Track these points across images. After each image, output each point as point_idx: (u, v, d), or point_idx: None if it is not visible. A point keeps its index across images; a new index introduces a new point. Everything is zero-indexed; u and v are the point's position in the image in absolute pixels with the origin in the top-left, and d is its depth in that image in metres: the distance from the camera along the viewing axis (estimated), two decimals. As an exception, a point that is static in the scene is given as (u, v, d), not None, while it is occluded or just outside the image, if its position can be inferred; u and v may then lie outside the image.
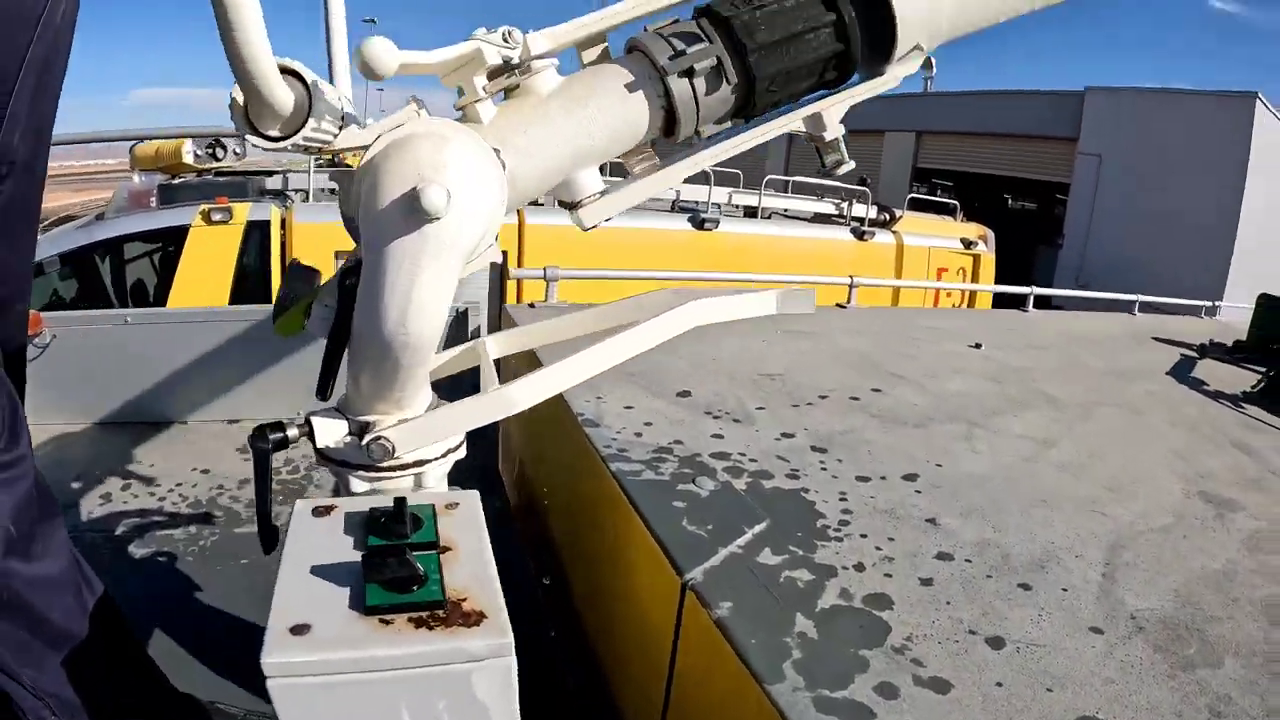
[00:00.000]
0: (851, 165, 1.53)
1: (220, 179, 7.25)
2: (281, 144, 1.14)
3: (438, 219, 1.07)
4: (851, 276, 4.97)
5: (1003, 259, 11.10)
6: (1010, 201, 22.26)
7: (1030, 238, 19.37)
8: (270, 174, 7.72)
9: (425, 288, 1.15)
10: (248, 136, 1.13)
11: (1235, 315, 7.96)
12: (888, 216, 10.06)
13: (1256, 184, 14.63)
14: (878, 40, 1.42)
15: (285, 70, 1.09)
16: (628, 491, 1.91)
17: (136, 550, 2.74)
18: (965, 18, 1.55)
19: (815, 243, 9.08)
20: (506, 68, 1.27)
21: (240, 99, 1.10)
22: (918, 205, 12.36)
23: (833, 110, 1.47)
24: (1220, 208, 14.49)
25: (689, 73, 1.30)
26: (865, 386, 3.08)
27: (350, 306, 1.26)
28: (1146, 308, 7.07)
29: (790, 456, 2.26)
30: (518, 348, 1.80)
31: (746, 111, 1.41)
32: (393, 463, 1.33)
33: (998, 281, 10.20)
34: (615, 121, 1.32)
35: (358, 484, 1.38)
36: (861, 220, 9.28)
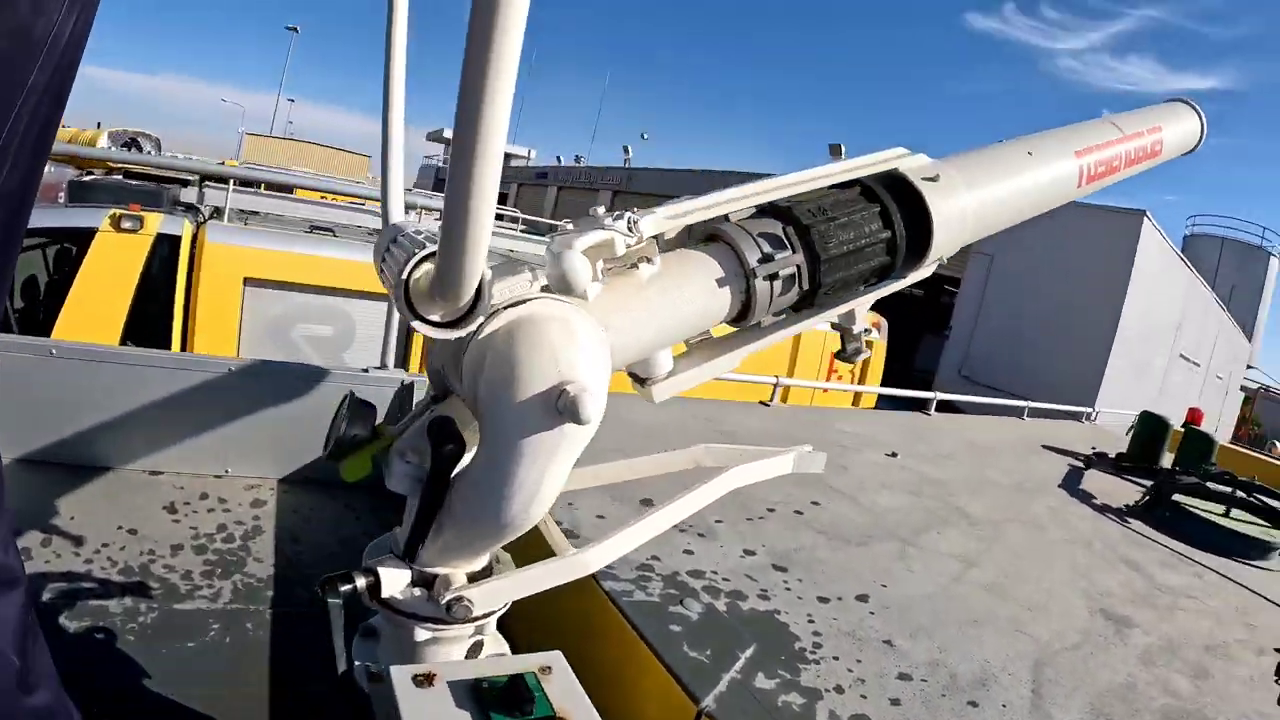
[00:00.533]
0: (868, 355, 1.79)
1: (133, 183, 6.85)
2: (441, 333, 1.19)
3: (586, 425, 1.15)
4: (777, 377, 5.32)
5: (891, 345, 11.71)
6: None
7: (917, 325, 20.38)
8: (185, 184, 7.38)
9: (553, 479, 1.24)
10: (413, 323, 1.17)
11: (1108, 419, 8.66)
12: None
13: (1135, 298, 15.76)
14: (911, 253, 1.67)
15: None
16: (626, 614, 2.12)
17: (69, 623, 2.47)
18: (989, 230, 1.90)
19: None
20: (624, 256, 1.34)
21: (420, 277, 1.16)
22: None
23: (861, 308, 1.72)
24: (1101, 317, 15.53)
25: (772, 277, 1.45)
26: (805, 499, 3.38)
27: (446, 472, 1.30)
28: (1035, 413, 7.66)
29: (757, 575, 2.52)
30: (577, 486, 1.77)
31: (801, 306, 1.58)
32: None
33: (886, 364, 10.76)
34: (700, 309, 1.44)
35: (422, 634, 1.43)
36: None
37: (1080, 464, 5.64)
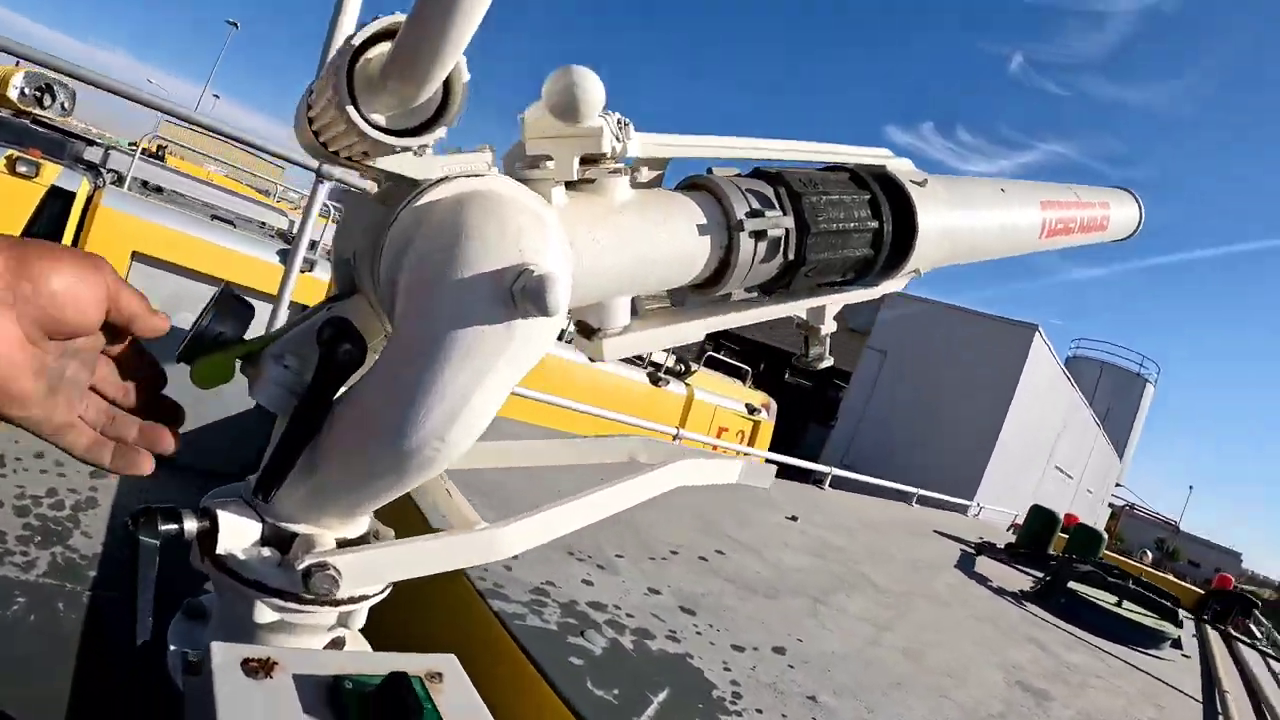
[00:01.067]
0: (830, 362, 1.60)
1: (38, 128, 6.44)
2: (388, 139, 0.87)
3: (546, 317, 0.89)
4: (678, 429, 5.13)
5: (778, 428, 11.76)
6: (788, 376, 23.81)
7: (805, 413, 20.71)
8: (91, 143, 7.01)
9: (489, 393, 0.90)
10: (349, 109, 0.83)
11: (990, 515, 8.78)
12: (684, 368, 10.47)
13: (1020, 406, 16.45)
14: (891, 256, 1.51)
15: None
16: (520, 640, 1.83)
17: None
18: (961, 258, 1.76)
19: (608, 377, 9.05)
20: (604, 158, 1.10)
21: (374, 57, 0.86)
22: (713, 363, 12.94)
23: (832, 307, 1.54)
24: (986, 420, 16.17)
25: (759, 235, 1.26)
26: (710, 546, 3.14)
27: (335, 380, 0.95)
28: (922, 501, 7.67)
29: (664, 616, 2.26)
30: (479, 463, 1.54)
31: (775, 286, 1.41)
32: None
33: (772, 448, 10.75)
34: (677, 254, 1.21)
35: (264, 613, 1.02)
36: (659, 366, 9.57)
37: (971, 550, 5.59)
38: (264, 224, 7.61)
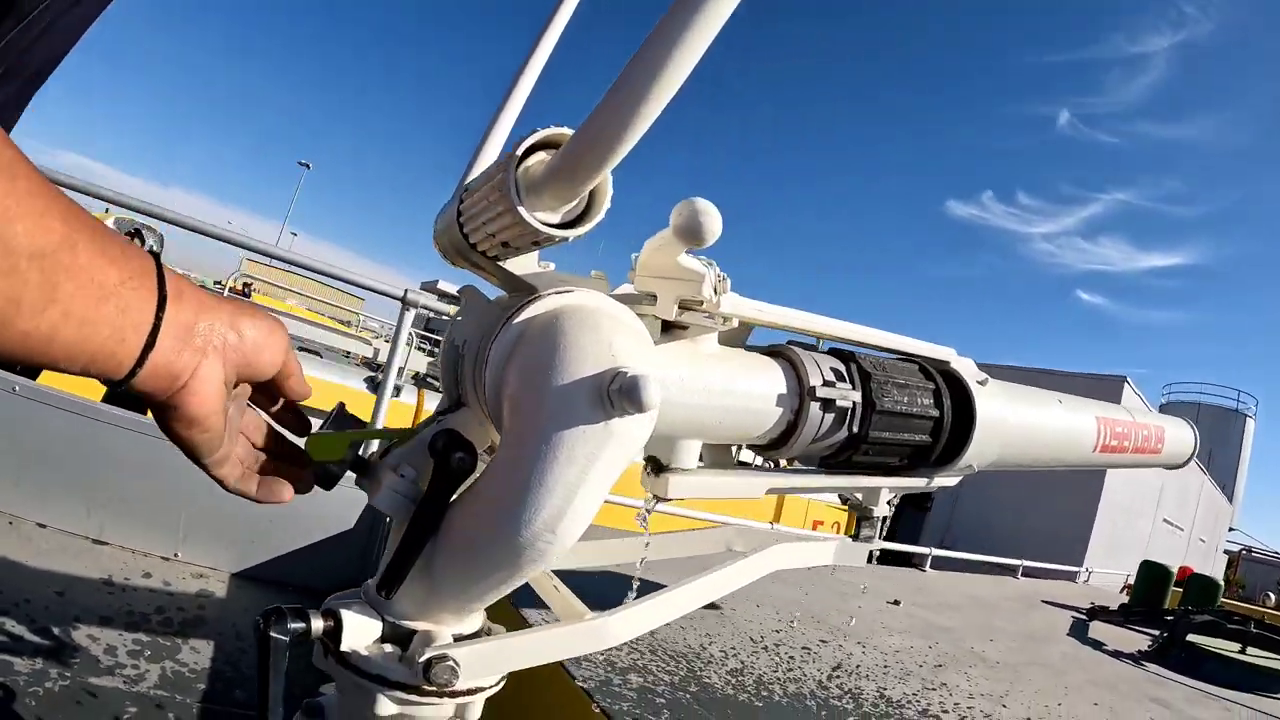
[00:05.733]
0: (881, 546, 1.75)
1: None
2: (548, 230, 0.97)
3: (642, 414, 0.96)
4: (773, 523, 5.25)
5: (875, 519, 11.60)
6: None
7: (900, 500, 20.38)
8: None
9: (592, 488, 0.97)
10: (518, 206, 0.94)
11: (1102, 580, 8.59)
12: (774, 464, 10.45)
13: (1122, 460, 16.00)
14: (947, 450, 1.60)
15: None
16: None
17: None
18: (1014, 458, 1.84)
19: None
20: (698, 306, 1.19)
21: (533, 163, 0.97)
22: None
23: (886, 491, 1.62)
24: (1085, 484, 15.76)
25: (828, 404, 1.33)
26: (814, 638, 3.27)
27: (449, 488, 1.05)
28: (1027, 572, 7.59)
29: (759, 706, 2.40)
30: (584, 564, 1.65)
31: (835, 460, 1.47)
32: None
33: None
34: (751, 409, 1.31)
35: (386, 706, 1.09)
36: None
37: (1083, 616, 5.55)
38: (348, 353, 7.87)
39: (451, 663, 1.04)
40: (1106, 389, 16.49)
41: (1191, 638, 4.39)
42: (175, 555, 2.99)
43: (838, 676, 2.87)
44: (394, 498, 1.08)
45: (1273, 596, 16.40)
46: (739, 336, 1.39)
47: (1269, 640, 4.44)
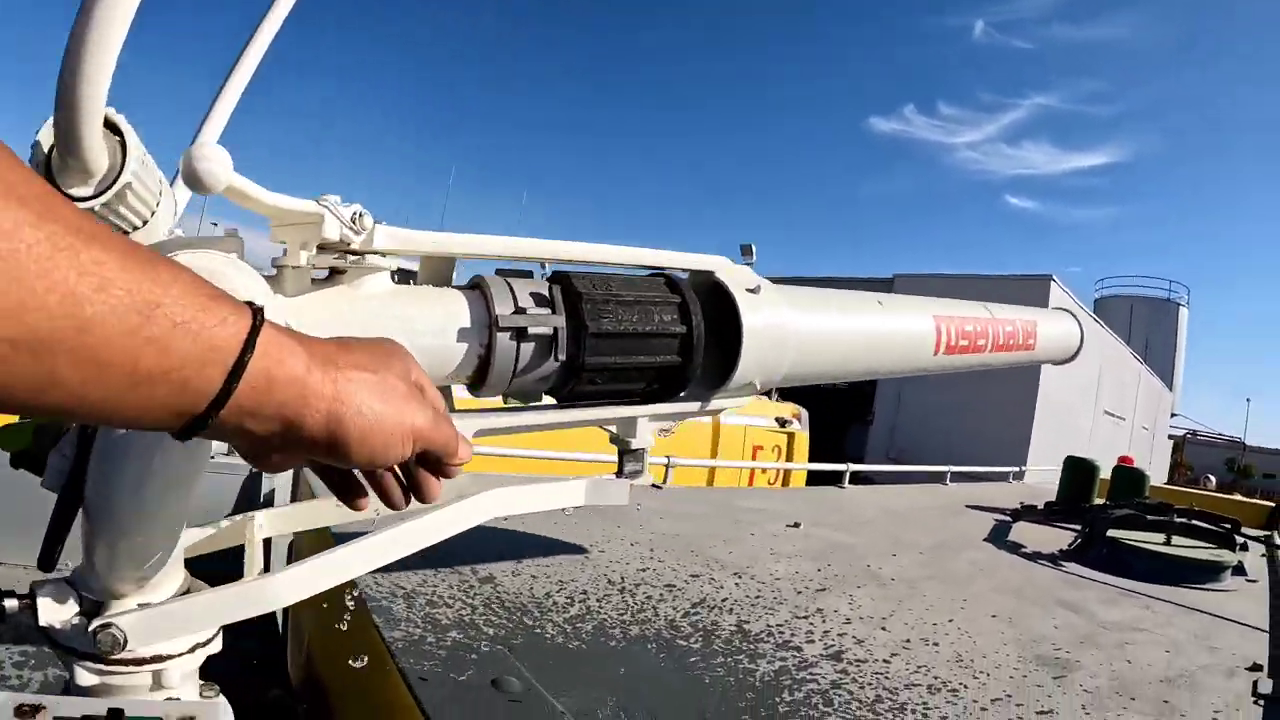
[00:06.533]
0: (650, 480, 1.55)
1: None
2: (87, 204, 0.91)
3: None
4: (669, 457, 4.90)
5: (816, 437, 11.49)
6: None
7: (841, 416, 20.31)
8: None
9: (171, 450, 1.00)
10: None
11: (1040, 478, 8.43)
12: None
13: (1053, 357, 16.11)
14: (717, 367, 1.48)
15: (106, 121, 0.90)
16: (420, 701, 1.67)
17: None
18: (823, 371, 1.77)
19: None
20: (342, 247, 1.14)
21: (46, 140, 0.90)
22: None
23: (646, 420, 1.50)
24: (1020, 383, 15.84)
25: (520, 334, 1.24)
26: (684, 572, 2.93)
27: (89, 451, 1.07)
28: (959, 477, 7.37)
29: (591, 649, 2.05)
30: (296, 526, 1.56)
31: (562, 392, 1.37)
32: (125, 656, 1.09)
33: (814, 455, 10.49)
34: (425, 350, 1.19)
35: (85, 676, 1.10)
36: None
37: (1007, 518, 5.30)
38: None
39: (114, 630, 1.04)
40: (1033, 289, 16.47)
41: (1112, 533, 4.13)
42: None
43: (695, 613, 2.52)
44: (56, 476, 1.11)
45: (1213, 480, 16.68)
46: (441, 273, 1.33)
47: (1195, 529, 4.19)
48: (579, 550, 3.07)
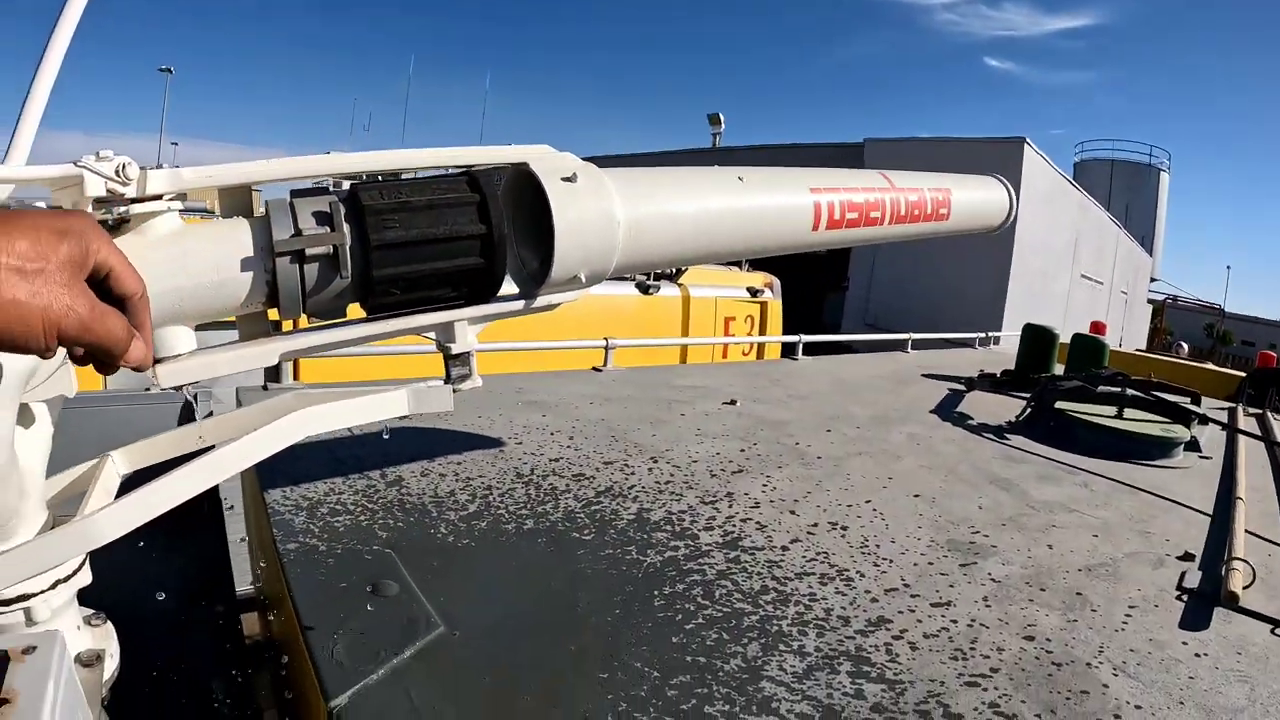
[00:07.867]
0: (479, 383, 1.57)
1: None
2: None
3: None
4: (607, 339, 4.71)
5: (792, 306, 11.36)
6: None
7: (817, 284, 20.15)
8: None
9: None
10: None
11: (1009, 343, 8.32)
12: (673, 270, 10.01)
13: (1027, 222, 15.88)
14: (533, 262, 1.51)
15: None
16: (298, 611, 1.63)
17: None
18: (648, 259, 1.70)
19: (596, 300, 8.73)
20: (114, 200, 1.15)
21: None
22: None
23: (464, 325, 1.50)
24: (995, 246, 15.69)
25: (299, 255, 1.24)
26: (596, 461, 2.78)
27: None
28: (932, 344, 7.23)
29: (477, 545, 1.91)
30: (152, 459, 1.48)
31: (365, 306, 1.38)
32: None
33: (790, 324, 10.36)
34: (212, 285, 1.23)
35: None
36: (645, 274, 9.10)
37: (961, 387, 5.18)
38: None
39: None
40: (1005, 152, 16.19)
41: (1061, 405, 4.00)
42: None
43: (597, 503, 2.38)
44: None
45: (1185, 347, 16.68)
46: (240, 204, 1.33)
47: (1149, 403, 4.06)
48: (494, 444, 2.92)
